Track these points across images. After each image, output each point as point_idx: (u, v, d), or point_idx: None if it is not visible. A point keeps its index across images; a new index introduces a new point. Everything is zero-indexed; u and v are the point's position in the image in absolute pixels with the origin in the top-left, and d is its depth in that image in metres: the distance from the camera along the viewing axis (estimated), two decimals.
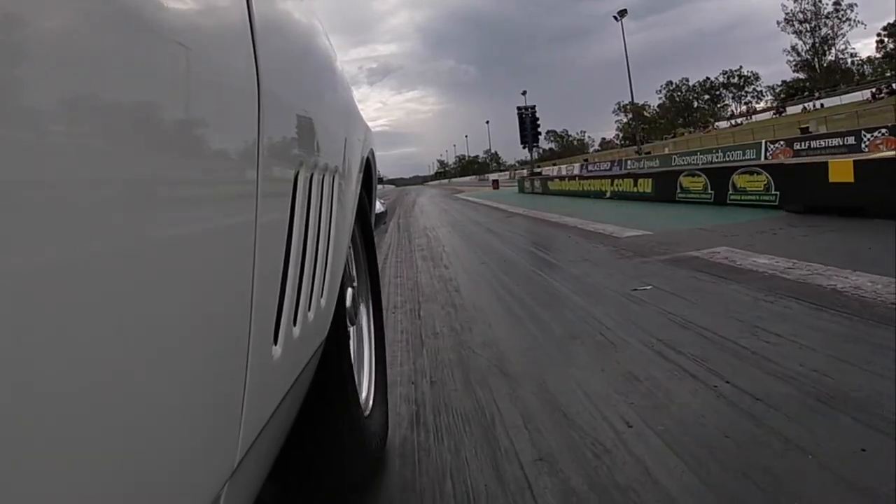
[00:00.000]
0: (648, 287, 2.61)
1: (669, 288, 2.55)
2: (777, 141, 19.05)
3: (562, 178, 11.98)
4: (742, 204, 5.63)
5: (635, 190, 7.81)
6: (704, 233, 4.13)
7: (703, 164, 19.80)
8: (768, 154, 18.62)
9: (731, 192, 5.83)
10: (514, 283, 2.94)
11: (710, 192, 6.17)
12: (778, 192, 5.26)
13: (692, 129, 62.45)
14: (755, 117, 51.15)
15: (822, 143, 17.28)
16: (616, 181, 8.46)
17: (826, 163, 4.62)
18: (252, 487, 0.51)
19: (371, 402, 1.17)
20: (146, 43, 0.30)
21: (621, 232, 4.52)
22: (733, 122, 54.03)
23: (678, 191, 6.74)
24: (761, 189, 5.43)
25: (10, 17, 0.20)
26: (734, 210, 5.44)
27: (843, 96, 40.57)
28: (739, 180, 5.70)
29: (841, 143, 16.73)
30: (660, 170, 8.77)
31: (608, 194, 8.78)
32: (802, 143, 17.85)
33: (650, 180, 7.41)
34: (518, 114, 19.72)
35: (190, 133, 0.35)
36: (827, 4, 54.14)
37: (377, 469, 1.16)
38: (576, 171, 30.61)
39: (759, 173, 5.46)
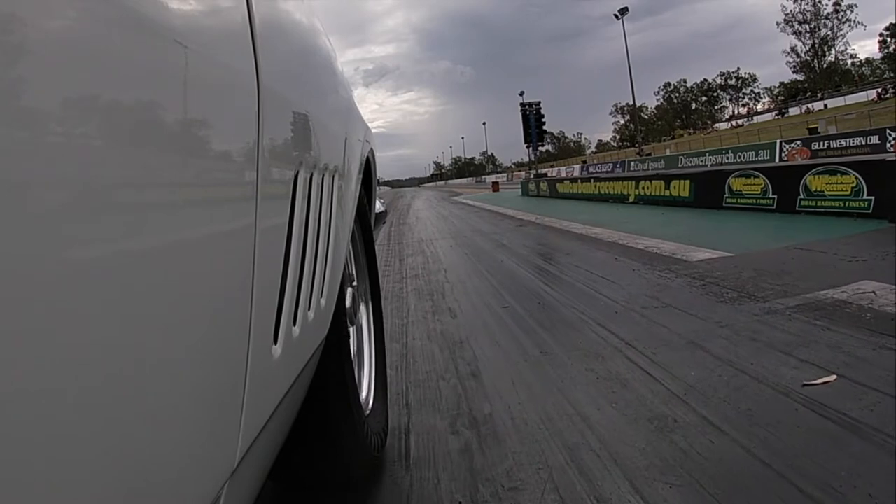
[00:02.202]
0: (831, 378, 1.41)
1: (870, 380, 1.37)
2: (793, 141, 18.00)
3: (573, 179, 10.80)
4: (818, 211, 4.48)
5: (667, 193, 6.64)
6: (807, 254, 2.95)
7: (712, 165, 18.76)
8: (783, 154, 17.59)
9: (802, 196, 4.67)
10: (570, 358, 1.73)
11: (771, 196, 5.02)
12: (872, 198, 4.11)
13: (691, 131, 61.68)
14: (756, 118, 50.36)
15: (844, 142, 16.24)
16: (642, 183, 7.29)
17: None
18: (252, 487, 0.50)
19: (371, 401, 1.15)
20: (146, 43, 0.29)
21: (686, 252, 3.33)
22: (734, 123, 53.24)
23: (726, 194, 5.58)
24: (847, 193, 4.28)
25: (10, 17, 0.20)
26: (811, 220, 4.28)
27: (847, 97, 39.80)
28: (815, 182, 4.55)
29: (863, 143, 15.71)
30: (701, 170, 7.62)
31: (632, 198, 7.60)
32: (821, 143, 16.81)
33: (688, 182, 6.25)
34: (521, 110, 18.38)
35: (190, 133, 0.34)
36: (827, 5, 53.59)
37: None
38: (576, 173, 29.51)
39: (844, 173, 4.30)
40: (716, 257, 3.09)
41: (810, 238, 3.45)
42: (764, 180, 5.09)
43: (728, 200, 5.56)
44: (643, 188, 7.27)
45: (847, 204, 4.27)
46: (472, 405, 1.42)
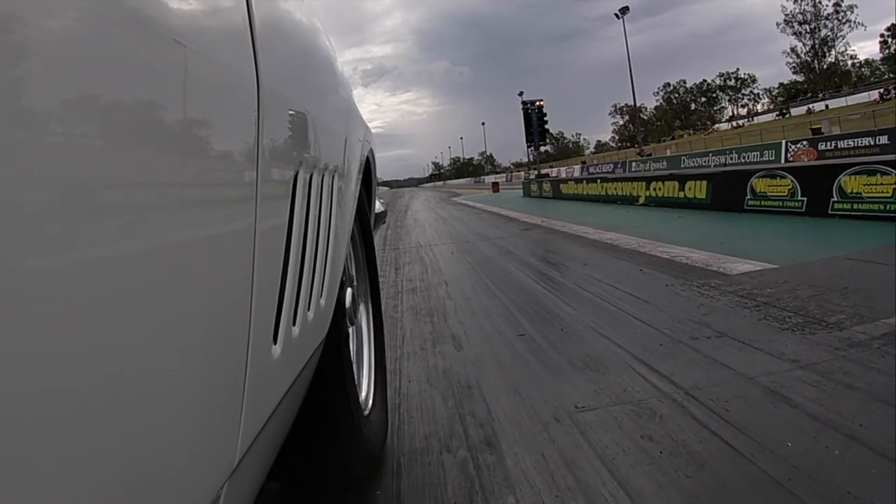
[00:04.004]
0: None
1: None
2: (799, 141, 17.64)
3: (577, 180, 10.38)
4: (854, 215, 4.09)
5: (682, 195, 6.25)
6: (865, 266, 2.55)
7: (715, 165, 18.40)
8: (789, 155, 17.24)
9: (835, 198, 4.28)
10: (617, 418, 1.31)
11: (800, 198, 4.62)
12: None
13: (691, 131, 61.41)
14: (757, 119, 50.10)
15: (851, 142, 15.90)
16: (654, 184, 6.89)
17: None
18: (252, 487, 0.50)
19: (371, 401, 1.15)
20: (146, 43, 0.29)
21: (721, 263, 2.92)
22: (735, 123, 52.99)
23: (749, 196, 5.18)
24: (889, 195, 3.89)
25: (10, 17, 0.20)
26: (850, 225, 3.88)
27: (848, 97, 39.54)
28: (851, 183, 4.15)
29: (872, 143, 15.38)
30: (719, 170, 7.20)
31: (642, 200, 7.21)
32: (828, 144, 16.46)
33: (705, 183, 5.85)
34: (523, 109, 17.87)
35: (190, 133, 0.34)
36: (827, 6, 53.40)
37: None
38: (575, 174, 29.11)
39: (885, 173, 3.91)
40: (759, 269, 2.68)
41: (858, 246, 3.05)
42: (792, 181, 4.69)
43: (750, 203, 5.16)
44: (655, 189, 6.87)
45: (888, 207, 3.88)
46: (490, 502, 1.00)
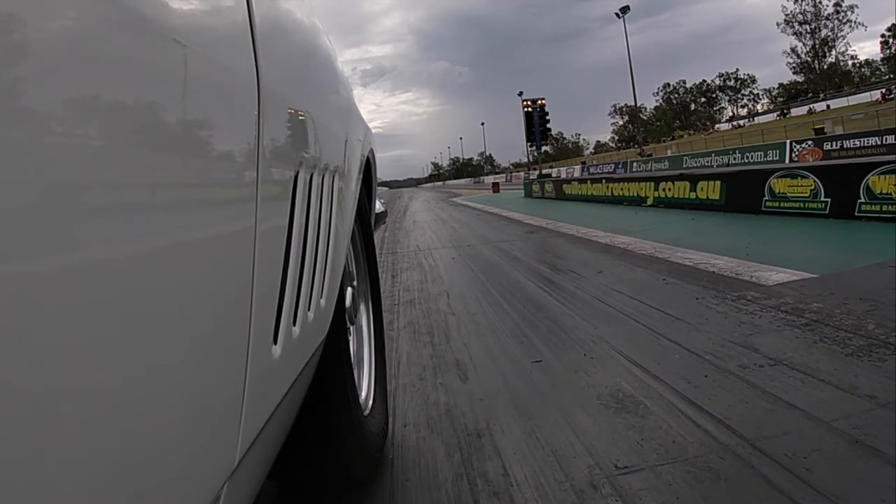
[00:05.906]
0: None
1: None
2: (803, 141, 17.37)
3: (581, 180, 10.11)
4: (884, 217, 3.83)
5: (693, 196, 5.99)
6: None
7: (718, 165, 18.15)
8: (794, 155, 16.99)
9: (862, 199, 4.02)
10: (670, 484, 1.11)
11: (823, 199, 4.37)
12: None
13: (691, 132, 61.17)
14: (758, 119, 49.84)
15: (858, 142, 15.65)
16: (663, 184, 6.64)
17: None
18: (252, 487, 0.50)
19: (371, 401, 1.15)
20: (146, 43, 0.29)
21: (752, 271, 2.66)
22: (735, 123, 52.74)
23: (766, 197, 4.92)
24: None
25: (10, 17, 0.20)
26: (882, 228, 3.63)
27: (850, 97, 39.29)
28: (880, 183, 3.90)
29: (879, 143, 15.14)
30: (734, 170, 6.87)
31: (650, 201, 6.95)
32: (834, 143, 16.20)
33: (718, 183, 5.60)
34: (525, 108, 17.52)
35: (190, 133, 0.34)
36: (827, 6, 53.19)
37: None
38: (576, 174, 28.84)
39: None
40: (797, 279, 2.42)
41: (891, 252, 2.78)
42: (814, 181, 4.44)
43: (768, 204, 4.91)
44: (664, 190, 6.62)
45: None
46: None
